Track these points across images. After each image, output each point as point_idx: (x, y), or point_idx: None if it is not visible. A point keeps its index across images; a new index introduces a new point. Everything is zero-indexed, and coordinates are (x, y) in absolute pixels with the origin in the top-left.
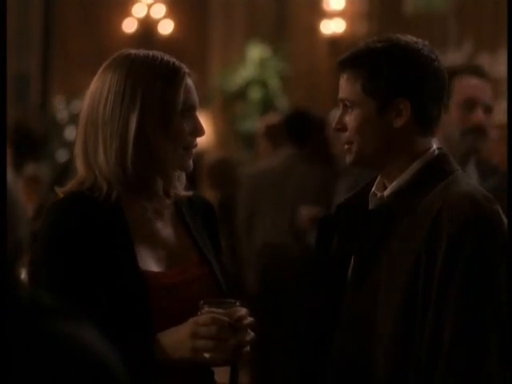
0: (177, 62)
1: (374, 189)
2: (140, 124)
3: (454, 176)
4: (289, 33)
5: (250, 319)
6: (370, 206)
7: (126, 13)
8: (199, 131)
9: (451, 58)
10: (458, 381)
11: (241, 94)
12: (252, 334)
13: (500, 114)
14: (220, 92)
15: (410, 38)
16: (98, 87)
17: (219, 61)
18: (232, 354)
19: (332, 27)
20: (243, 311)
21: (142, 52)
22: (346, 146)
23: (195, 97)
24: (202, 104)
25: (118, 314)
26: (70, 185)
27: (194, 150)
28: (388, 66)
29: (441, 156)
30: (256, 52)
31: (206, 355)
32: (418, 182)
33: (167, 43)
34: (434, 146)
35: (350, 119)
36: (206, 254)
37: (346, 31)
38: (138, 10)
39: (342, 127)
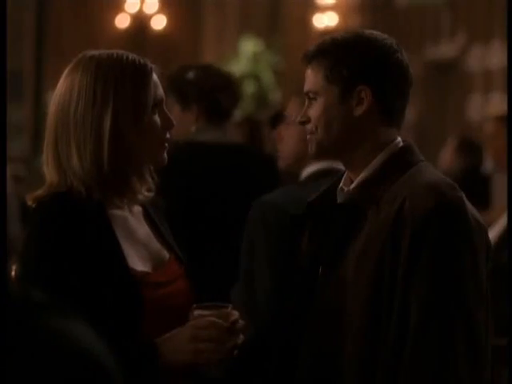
0: (142, 59)
1: (341, 184)
2: (114, 124)
3: (418, 167)
4: (282, 27)
5: (242, 322)
6: (338, 201)
7: (118, 8)
8: (170, 124)
9: (444, 49)
10: (424, 368)
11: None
12: (242, 336)
13: (494, 106)
14: None
15: (375, 32)
16: (66, 91)
17: (212, 55)
18: (228, 355)
19: (325, 21)
20: (237, 315)
21: (105, 52)
22: (309, 137)
23: (161, 90)
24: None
25: (108, 312)
26: (42, 191)
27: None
28: (350, 55)
29: (405, 147)
30: (249, 46)
31: (206, 357)
32: (382, 174)
33: (160, 38)
34: (399, 138)
35: (313, 110)
36: (178, 253)
37: (338, 25)
38: (131, 6)
39: (305, 120)
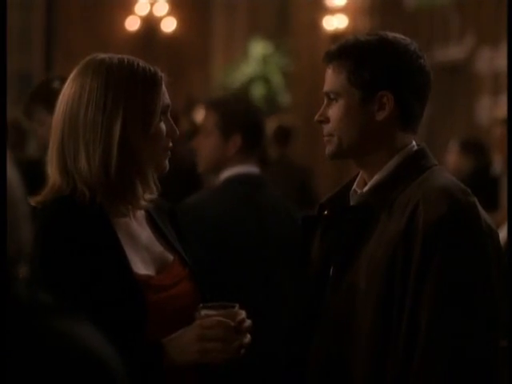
0: (152, 67)
1: (354, 186)
2: (123, 130)
3: (432, 171)
4: (291, 29)
5: (249, 322)
6: (351, 203)
7: (128, 11)
8: (174, 132)
9: (453, 52)
10: (434, 373)
11: (243, 91)
12: (249, 335)
13: (502, 109)
14: (223, 88)
15: (398, 35)
16: (75, 93)
17: (222, 58)
18: (234, 355)
19: (334, 23)
20: (243, 314)
21: (115, 57)
22: (327, 138)
23: (168, 98)
24: (205, 101)
25: (113, 315)
26: (45, 193)
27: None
28: (374, 58)
29: (419, 151)
30: (258, 48)
31: (213, 356)
32: (396, 177)
33: (170, 41)
34: (414, 142)
35: (333, 111)
36: (182, 255)
37: (348, 27)
38: (141, 8)
39: (324, 119)
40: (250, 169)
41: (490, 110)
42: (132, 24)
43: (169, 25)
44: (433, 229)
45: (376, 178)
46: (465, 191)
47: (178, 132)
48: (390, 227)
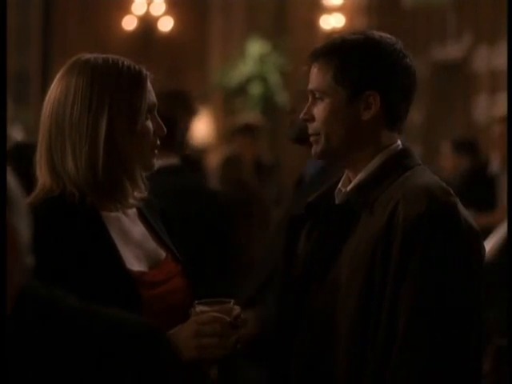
0: (137, 66)
1: (339, 185)
2: (109, 129)
3: (414, 170)
4: (288, 28)
5: (243, 317)
6: (336, 202)
7: (125, 10)
8: (161, 130)
9: (450, 50)
10: (411, 369)
11: (241, 90)
12: (243, 330)
13: (500, 107)
14: (220, 88)
15: (384, 34)
16: (61, 93)
17: (219, 57)
18: (231, 350)
19: (331, 22)
20: (238, 309)
21: (100, 57)
22: (313, 138)
23: (154, 96)
24: (203, 100)
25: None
26: (35, 194)
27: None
28: (361, 58)
29: (402, 151)
30: (256, 48)
31: (210, 352)
32: (379, 176)
33: (167, 40)
34: (399, 142)
35: (319, 110)
36: (174, 251)
37: (345, 26)
38: (138, 8)
39: (309, 117)
40: (167, 161)
41: (487, 108)
42: (129, 23)
43: (166, 24)
44: (412, 226)
45: (359, 176)
46: (446, 190)
47: (165, 130)
48: (371, 225)
